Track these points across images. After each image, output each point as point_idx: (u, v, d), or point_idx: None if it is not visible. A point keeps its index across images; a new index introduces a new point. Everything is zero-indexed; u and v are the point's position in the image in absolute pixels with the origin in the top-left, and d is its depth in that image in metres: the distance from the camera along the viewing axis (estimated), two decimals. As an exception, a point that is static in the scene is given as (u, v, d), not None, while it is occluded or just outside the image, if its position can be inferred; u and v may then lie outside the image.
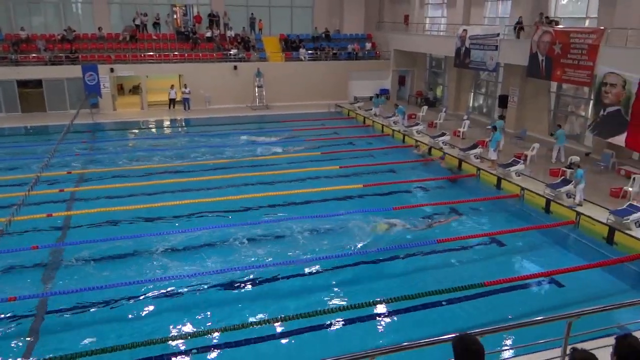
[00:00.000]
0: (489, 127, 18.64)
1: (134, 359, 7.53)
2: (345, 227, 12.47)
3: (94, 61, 26.07)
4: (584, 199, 13.13)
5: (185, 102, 27.10)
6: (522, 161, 15.86)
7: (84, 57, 26.25)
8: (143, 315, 8.89)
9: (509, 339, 7.90)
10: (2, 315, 8.77)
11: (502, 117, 19.47)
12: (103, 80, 25.80)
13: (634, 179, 13.63)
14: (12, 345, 8.06)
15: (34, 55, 25.66)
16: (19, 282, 9.84)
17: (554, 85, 20.11)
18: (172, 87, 27.48)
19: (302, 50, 29.68)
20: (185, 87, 26.92)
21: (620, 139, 15.09)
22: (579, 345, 5.37)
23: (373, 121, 24.57)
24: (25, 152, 19.44)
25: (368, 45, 31.31)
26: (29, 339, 8.25)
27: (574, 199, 13.24)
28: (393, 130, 22.51)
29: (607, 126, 15.58)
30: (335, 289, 9.78)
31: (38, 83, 25.65)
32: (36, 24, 28.35)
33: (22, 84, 25.44)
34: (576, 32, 17.06)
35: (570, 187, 13.54)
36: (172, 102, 27.50)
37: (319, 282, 10.15)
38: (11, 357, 7.75)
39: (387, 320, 8.90)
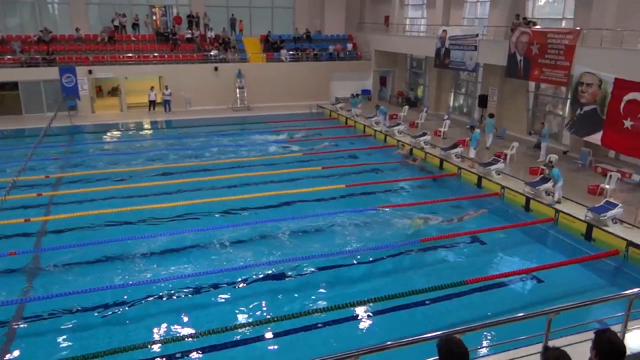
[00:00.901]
0: (468, 126, 18.82)
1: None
2: (329, 228, 12.52)
3: (72, 63, 25.65)
4: (563, 197, 13.36)
5: (166, 104, 26.85)
6: (502, 160, 16.06)
7: (62, 59, 25.82)
8: (126, 319, 8.76)
9: (491, 335, 7.98)
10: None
11: (491, 115, 19.69)
12: (81, 82, 25.41)
13: (610, 176, 13.92)
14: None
15: (9, 57, 25.15)
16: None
17: (532, 85, 20.43)
18: (151, 88, 27.19)
19: (283, 51, 29.63)
20: (167, 89, 26.66)
21: (596, 138, 15.38)
22: (559, 341, 5.48)
23: (355, 122, 24.64)
24: (1, 155, 19.05)
25: (349, 46, 31.40)
26: (5, 344, 8.09)
27: (553, 196, 13.45)
28: (375, 130, 22.61)
29: (583, 125, 15.87)
30: (318, 290, 9.77)
31: (14, 85, 25.14)
32: (11, 24, 27.80)
33: (-1, 86, 24.96)
34: (553, 32, 17.36)
35: (549, 185, 13.76)
36: (152, 104, 27.21)
37: (303, 283, 10.14)
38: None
39: (370, 320, 8.92)
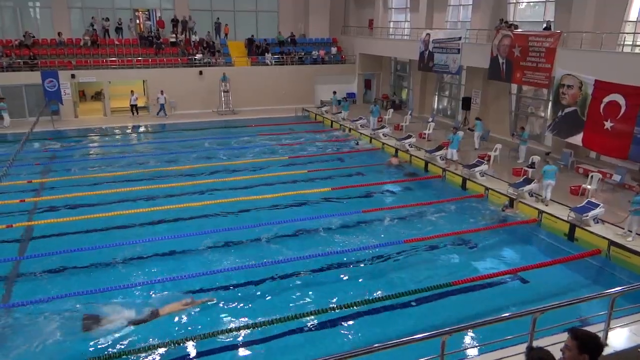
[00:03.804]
0: (452, 128, 19.01)
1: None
2: (312, 230, 12.55)
3: (54, 67, 25.35)
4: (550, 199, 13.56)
5: (161, 108, 26.64)
6: (485, 162, 16.24)
7: (44, 63, 25.51)
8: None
9: (477, 336, 8.06)
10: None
11: (478, 119, 19.95)
12: (64, 87, 25.09)
13: (591, 177, 14.17)
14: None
15: (-11, 61, 24.79)
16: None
17: (514, 87, 20.70)
18: (132, 92, 26.95)
19: (268, 55, 29.62)
20: (162, 93, 26.44)
21: (577, 139, 15.64)
22: (543, 340, 5.57)
23: (340, 125, 24.71)
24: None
25: (333, 50, 31.51)
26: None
27: (537, 197, 13.66)
28: (360, 133, 22.71)
29: (564, 126, 16.12)
30: (303, 293, 9.74)
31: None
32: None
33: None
34: (534, 35, 17.62)
35: (532, 185, 13.96)
36: (134, 107, 26.98)
37: (285, 286, 10.09)
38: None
39: (354, 322, 8.90)
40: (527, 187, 13.97)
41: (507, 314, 6.41)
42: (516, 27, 19.39)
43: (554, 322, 6.50)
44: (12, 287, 9.99)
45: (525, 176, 14.69)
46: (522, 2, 20.96)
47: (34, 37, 26.66)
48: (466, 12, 24.13)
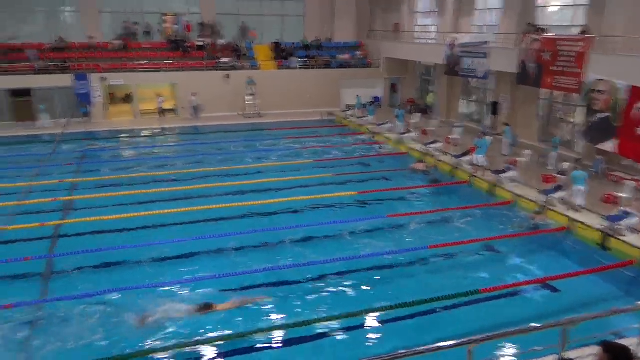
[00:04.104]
0: (480, 133, 18.77)
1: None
2: (337, 234, 12.52)
3: (85, 70, 25.96)
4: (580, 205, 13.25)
5: (193, 110, 26.97)
6: (514, 167, 15.96)
7: (75, 66, 26.13)
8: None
9: (504, 346, 7.91)
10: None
11: (507, 124, 19.69)
12: (94, 89, 25.69)
13: (625, 184, 13.77)
14: (8, 347, 8.10)
15: (24, 64, 25.50)
16: (14, 290, 9.79)
17: (544, 92, 20.32)
18: (158, 95, 27.39)
19: (293, 59, 29.76)
20: (193, 96, 26.80)
21: (609, 145, 15.24)
22: (574, 352, 5.43)
23: (367, 129, 24.63)
24: (16, 161, 19.29)
25: (359, 54, 31.46)
26: (23, 344, 8.24)
27: (568, 205, 13.36)
28: (386, 137, 22.59)
29: (596, 132, 15.74)
30: (325, 297, 9.74)
31: (28, 92, 25.46)
32: (26, 33, 28.14)
33: (13, 93, 25.25)
34: (564, 39, 17.27)
35: (563, 192, 13.66)
36: (162, 110, 27.41)
37: (307, 290, 10.10)
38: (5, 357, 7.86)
39: (378, 329, 8.86)
40: (558, 194, 13.68)
41: (536, 325, 6.26)
42: (544, 31, 19.04)
43: (585, 334, 6.31)
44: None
45: (555, 183, 14.38)
46: (551, 6, 20.58)
47: (65, 42, 27.26)
48: (493, 16, 23.81)
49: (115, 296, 9.51)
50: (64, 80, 25.26)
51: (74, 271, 10.67)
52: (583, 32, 17.03)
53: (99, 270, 10.82)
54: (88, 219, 13.09)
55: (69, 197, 15.22)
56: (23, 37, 27.55)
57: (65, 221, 13.34)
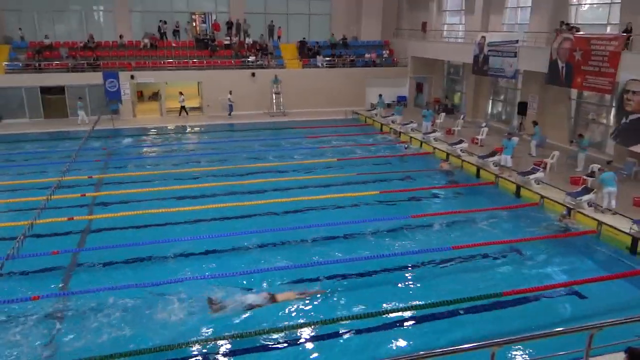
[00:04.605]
0: (506, 133, 18.48)
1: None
2: (360, 233, 12.48)
3: (115, 68, 26.51)
4: (606, 208, 12.90)
5: (230, 108, 27.32)
6: (541, 169, 15.66)
7: (105, 64, 26.72)
8: (162, 318, 8.94)
9: (528, 350, 7.77)
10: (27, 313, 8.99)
11: (535, 123, 19.36)
12: (123, 87, 26.22)
13: (657, 188, 13.39)
14: (36, 342, 8.26)
15: (56, 62, 26.19)
16: (40, 283, 10.06)
17: (574, 92, 19.87)
18: (180, 94, 27.76)
19: (319, 57, 29.79)
20: (230, 94, 27.13)
21: (643, 147, 14.83)
22: (600, 359, 5.30)
23: (390, 128, 24.51)
24: (47, 157, 19.81)
25: (385, 53, 31.30)
26: (51, 332, 8.47)
27: (597, 207, 13.04)
28: (411, 137, 22.43)
29: (629, 134, 15.32)
30: (348, 296, 9.70)
31: (60, 90, 26.16)
32: (60, 32, 28.94)
33: (45, 90, 25.98)
34: (597, 38, 16.84)
35: (591, 195, 13.33)
36: (183, 109, 27.77)
37: (329, 288, 10.04)
38: (33, 346, 8.04)
39: (400, 329, 8.80)
40: (586, 197, 13.35)
41: (561, 329, 6.16)
42: (577, 29, 18.61)
43: (612, 339, 6.16)
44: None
45: (584, 185, 14.06)
46: (585, 4, 20.10)
47: (95, 42, 27.82)
48: (524, 14, 23.38)
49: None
50: (95, 78, 25.85)
51: (99, 265, 10.90)
52: (626, 31, 16.52)
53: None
54: (114, 214, 13.37)
55: (96, 193, 15.56)
56: (57, 36, 28.33)
57: (93, 216, 13.64)
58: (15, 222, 12.60)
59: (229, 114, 27.24)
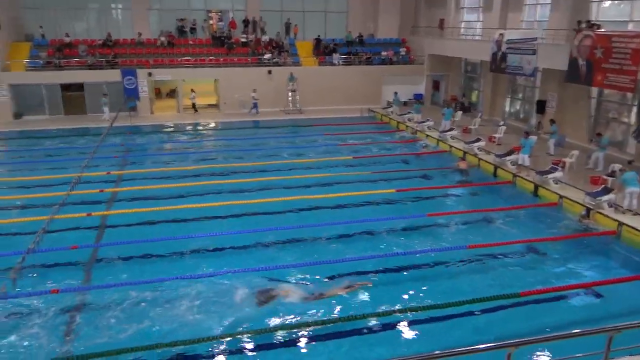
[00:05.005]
0: (524, 132, 18.25)
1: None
2: (375, 231, 12.46)
3: (133, 66, 26.78)
4: (627, 209, 12.69)
5: (254, 105, 27.45)
6: (560, 168, 15.44)
7: (124, 62, 27.01)
8: (179, 313, 9.03)
9: (544, 351, 7.68)
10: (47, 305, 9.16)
11: (553, 121, 19.13)
12: (141, 84, 26.49)
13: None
14: (53, 330, 8.44)
15: (76, 59, 26.56)
16: (60, 277, 10.23)
17: (594, 90, 19.54)
18: (192, 91, 27.92)
19: (335, 55, 29.74)
20: (254, 92, 27.26)
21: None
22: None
23: (406, 126, 24.38)
24: (67, 153, 20.10)
25: (402, 50, 31.12)
26: (67, 327, 8.60)
27: (617, 208, 12.82)
28: (427, 135, 22.29)
29: (651, 133, 15.02)
30: (362, 295, 9.67)
31: (79, 87, 26.52)
32: (79, 29, 29.31)
33: (65, 87, 26.37)
34: (619, 35, 16.52)
35: (611, 195, 13.11)
36: (194, 105, 27.85)
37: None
38: (52, 339, 8.17)
39: (416, 328, 8.75)
40: (606, 197, 13.14)
41: (579, 330, 6.06)
42: (598, 26, 18.28)
43: (632, 342, 6.05)
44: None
45: (604, 185, 13.83)
46: (606, 0, 19.73)
47: (112, 41, 28.10)
48: (544, 11, 23.04)
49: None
50: (114, 75, 26.15)
51: (118, 260, 11.03)
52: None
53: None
54: (132, 210, 13.53)
55: (114, 189, 15.75)
56: (76, 34, 28.70)
57: (111, 212, 13.81)
58: (35, 217, 12.81)
59: (256, 112, 27.33)
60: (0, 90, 25.11)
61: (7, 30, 26.56)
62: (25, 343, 8.08)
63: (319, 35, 31.13)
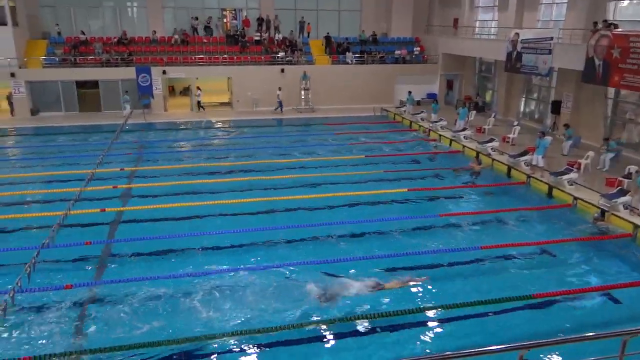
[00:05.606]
0: (539, 132, 18.05)
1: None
2: (386, 231, 12.42)
3: (148, 63, 26.98)
4: (642, 211, 12.52)
5: (279, 104, 27.54)
6: (575, 169, 15.26)
7: (138, 60, 27.23)
8: (190, 310, 9.08)
9: (557, 355, 7.60)
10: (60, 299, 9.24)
11: (567, 126, 18.93)
12: (155, 82, 26.68)
13: (698, 191, 12.88)
14: (67, 325, 8.54)
15: (91, 57, 26.83)
16: (74, 272, 10.33)
17: (611, 91, 19.28)
18: (198, 88, 28.04)
19: (349, 54, 29.69)
20: (280, 90, 27.34)
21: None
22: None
23: (419, 125, 24.27)
24: (81, 149, 20.32)
25: (416, 49, 30.97)
26: (81, 322, 8.69)
27: (633, 210, 12.63)
28: (440, 135, 22.17)
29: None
30: (371, 296, 9.65)
31: (94, 84, 26.80)
32: (95, 27, 29.62)
33: (80, 84, 26.67)
34: (636, 35, 16.28)
35: (627, 197, 12.93)
36: (199, 104, 28.03)
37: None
38: (66, 333, 8.27)
39: (426, 329, 8.71)
40: (622, 199, 12.96)
41: (592, 334, 5.98)
42: (616, 26, 18.03)
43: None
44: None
45: (619, 187, 13.64)
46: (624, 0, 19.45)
47: (127, 39, 28.35)
48: (560, 10, 22.79)
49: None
50: (128, 73, 26.37)
51: (131, 256, 11.12)
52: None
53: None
54: (146, 206, 13.63)
55: (127, 185, 15.89)
56: (92, 31, 29.00)
57: (124, 208, 13.93)
58: (50, 212, 12.96)
59: (281, 110, 27.44)
60: (18, 86, 25.48)
61: (24, 27, 26.94)
62: (39, 337, 8.17)
63: (328, 33, 31.04)
